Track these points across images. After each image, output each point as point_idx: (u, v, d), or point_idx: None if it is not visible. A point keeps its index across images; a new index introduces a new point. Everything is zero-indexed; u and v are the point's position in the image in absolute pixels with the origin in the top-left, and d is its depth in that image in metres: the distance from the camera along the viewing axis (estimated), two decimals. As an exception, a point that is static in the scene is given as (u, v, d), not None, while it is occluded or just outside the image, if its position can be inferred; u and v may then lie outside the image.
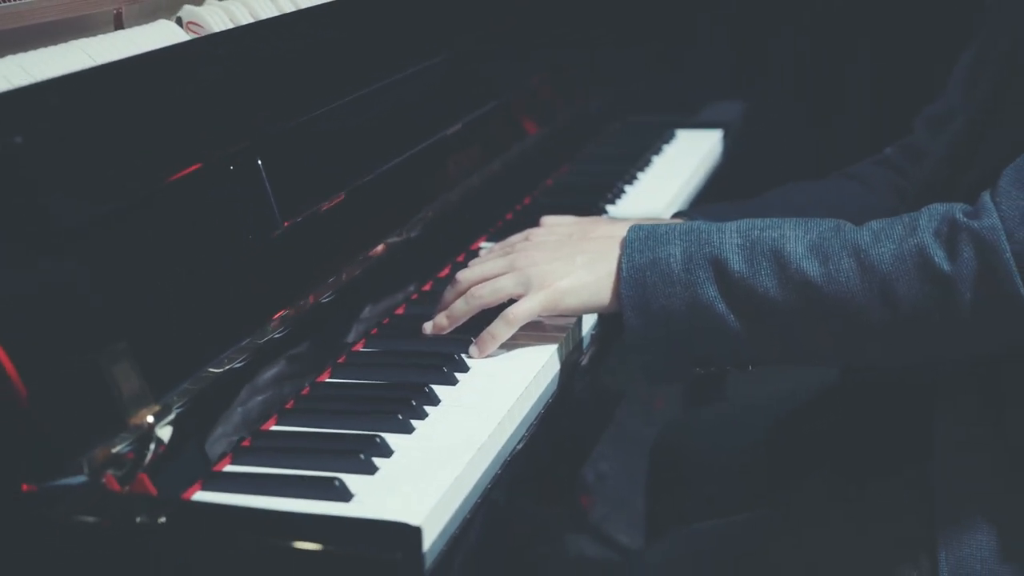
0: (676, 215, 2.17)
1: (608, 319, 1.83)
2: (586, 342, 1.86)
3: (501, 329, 1.75)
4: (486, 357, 1.72)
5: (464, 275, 1.81)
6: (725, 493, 2.17)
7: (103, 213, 1.33)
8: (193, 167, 1.47)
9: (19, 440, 1.21)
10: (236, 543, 1.19)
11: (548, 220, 1.97)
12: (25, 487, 1.20)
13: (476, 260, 1.85)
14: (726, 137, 2.91)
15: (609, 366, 1.96)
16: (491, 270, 1.79)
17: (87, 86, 1.38)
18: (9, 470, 1.21)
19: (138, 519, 1.22)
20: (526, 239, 1.89)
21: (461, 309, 1.78)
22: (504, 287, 1.76)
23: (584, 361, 1.84)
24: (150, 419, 1.28)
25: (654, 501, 2.37)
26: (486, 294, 1.77)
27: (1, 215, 1.22)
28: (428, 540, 1.28)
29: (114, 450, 1.27)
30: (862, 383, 2.07)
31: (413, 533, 1.18)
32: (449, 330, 1.78)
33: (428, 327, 1.79)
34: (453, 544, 1.36)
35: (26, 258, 1.24)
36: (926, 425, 1.79)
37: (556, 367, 1.74)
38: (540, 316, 1.77)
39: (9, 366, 1.19)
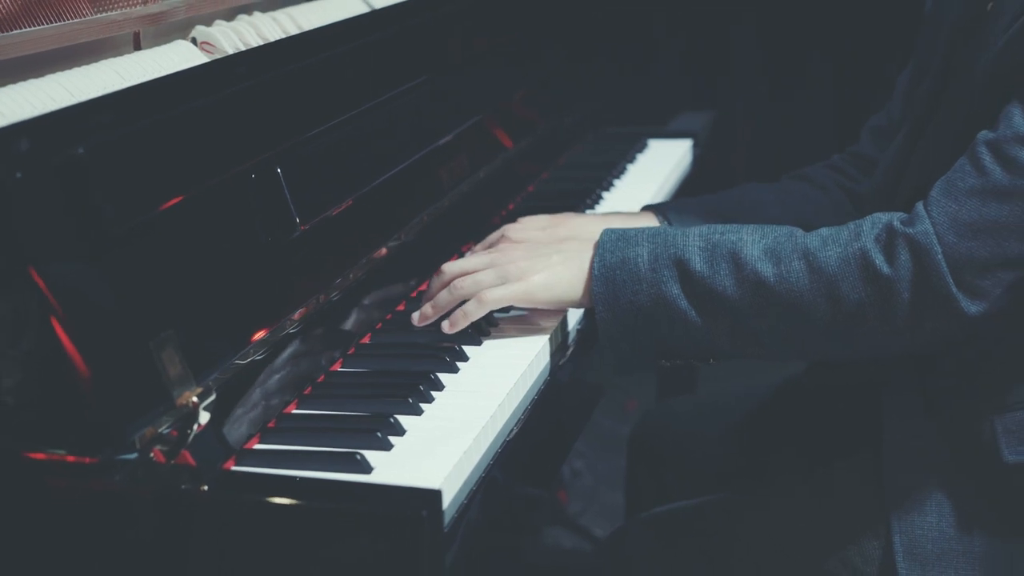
0: (645, 208, 2.29)
1: (593, 317, 1.96)
2: (571, 337, 2.00)
3: (473, 308, 1.90)
4: (484, 344, 1.88)
5: (448, 268, 1.95)
6: (698, 476, 2.30)
7: (148, 217, 1.48)
8: (223, 176, 1.62)
9: (83, 418, 1.36)
10: (277, 506, 1.34)
11: (524, 219, 2.11)
12: (88, 460, 1.35)
13: (462, 258, 1.99)
14: (695, 145, 3.02)
15: (591, 363, 2.10)
16: (473, 264, 1.94)
17: (133, 103, 1.53)
18: (74, 445, 1.36)
19: (183, 487, 1.36)
20: (503, 235, 2.03)
21: (445, 299, 1.92)
22: (484, 280, 1.91)
23: (569, 353, 1.97)
24: (195, 399, 1.43)
25: (633, 484, 2.51)
26: (467, 286, 1.91)
27: (66, 217, 1.37)
28: (446, 502, 1.43)
29: (160, 429, 1.42)
30: (823, 381, 2.20)
31: (435, 495, 1.32)
32: (434, 319, 1.92)
33: (416, 317, 1.94)
34: (462, 510, 1.51)
35: (87, 256, 1.39)
36: (877, 419, 1.93)
37: (546, 358, 1.89)
38: (518, 305, 1.92)
39: (74, 353, 1.34)
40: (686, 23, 4.58)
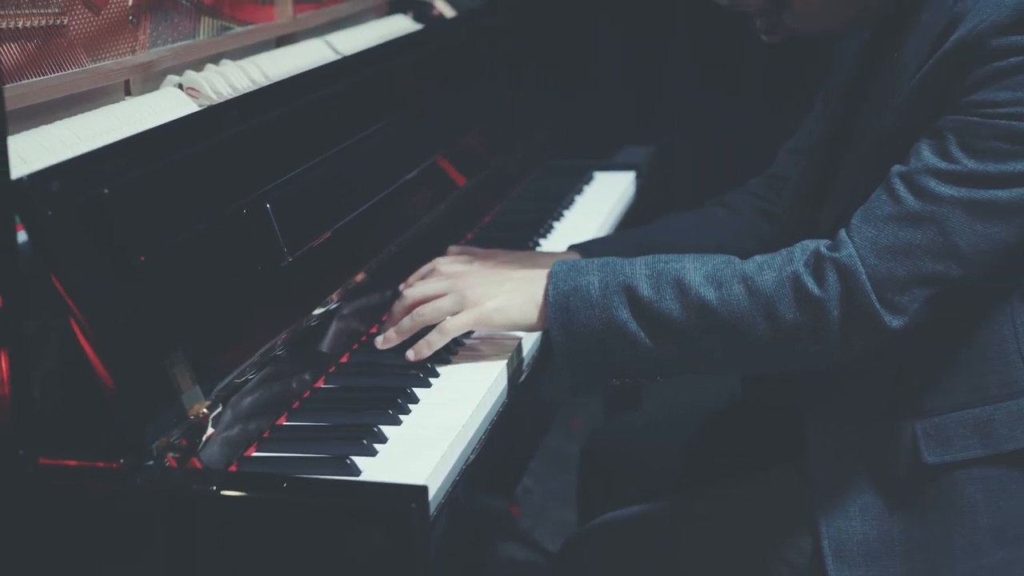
0: (571, 247, 2.42)
1: (547, 342, 2.10)
2: (527, 359, 2.16)
3: (436, 338, 2.04)
4: (452, 362, 2.05)
5: (410, 293, 2.10)
6: (646, 486, 2.41)
7: (159, 248, 1.66)
8: (221, 211, 1.80)
9: (108, 429, 1.53)
10: (278, 503, 1.52)
11: (453, 249, 2.30)
12: (115, 465, 1.53)
13: (420, 282, 2.14)
14: (638, 176, 3.14)
15: (547, 382, 2.23)
16: (432, 290, 2.09)
17: (142, 148, 1.71)
18: (100, 452, 1.53)
19: (195, 487, 1.54)
20: (434, 268, 2.19)
21: (407, 325, 2.07)
22: (443, 307, 2.06)
23: (526, 372, 2.14)
24: (204, 411, 1.60)
25: (585, 495, 2.65)
26: (427, 313, 2.06)
27: (91, 250, 1.54)
28: (430, 496, 1.59)
29: (173, 438, 1.59)
30: (758, 397, 2.36)
31: (422, 490, 1.50)
32: (397, 343, 2.07)
33: (379, 341, 2.08)
34: (442, 505, 1.68)
35: (110, 284, 1.56)
36: (805, 430, 2.08)
37: (506, 377, 2.05)
38: (475, 330, 2.08)
39: (101, 371, 1.51)
40: (627, 61, 4.79)
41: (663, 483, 2.40)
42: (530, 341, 2.16)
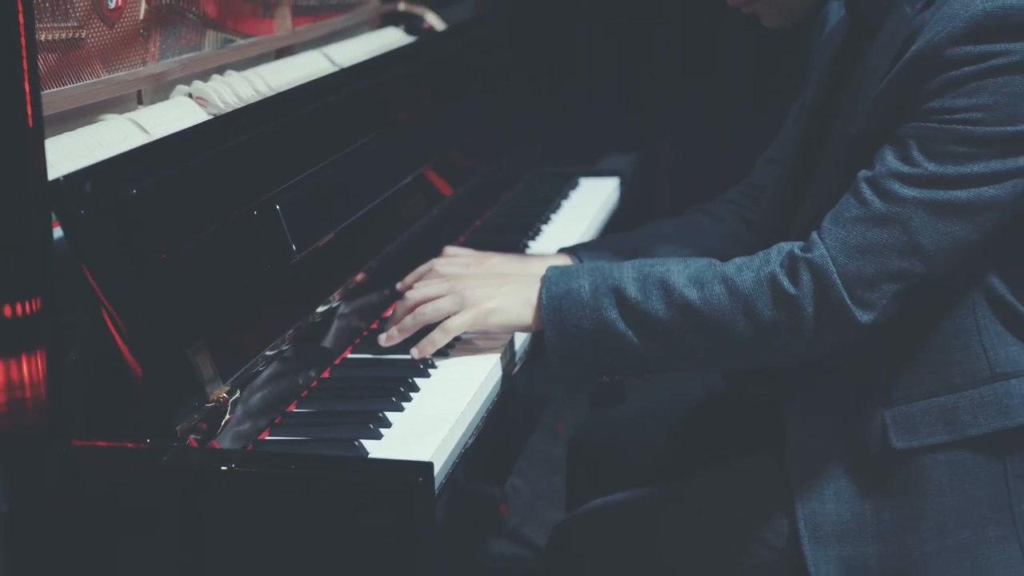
0: (561, 250, 2.50)
1: (538, 339, 2.22)
2: (518, 354, 2.26)
3: (438, 336, 2.15)
4: (449, 355, 2.15)
5: (411, 295, 2.20)
6: (631, 475, 2.50)
7: (181, 245, 1.78)
8: (237, 211, 1.92)
9: (138, 413, 1.66)
10: (294, 479, 1.63)
11: (449, 250, 2.38)
12: (141, 445, 1.65)
13: (420, 283, 2.25)
14: (622, 183, 3.22)
15: (537, 376, 2.34)
16: (433, 292, 2.19)
17: (164, 153, 1.83)
18: (131, 434, 1.65)
19: (214, 465, 1.66)
20: (432, 268, 2.30)
21: (410, 323, 2.18)
22: (444, 307, 2.16)
23: (518, 365, 2.25)
24: (224, 395, 1.73)
25: (572, 484, 2.75)
26: (429, 312, 2.17)
27: (122, 244, 1.67)
28: (435, 471, 1.71)
29: (194, 422, 1.72)
30: (737, 391, 2.44)
31: (427, 466, 1.62)
32: (399, 340, 2.18)
33: (383, 338, 2.19)
34: (444, 482, 1.81)
35: (138, 278, 1.69)
36: (782, 421, 2.17)
37: (500, 369, 2.16)
38: (472, 329, 2.17)
39: (130, 358, 1.63)
40: (612, 72, 4.90)
41: (648, 473, 2.48)
42: (522, 336, 2.27)
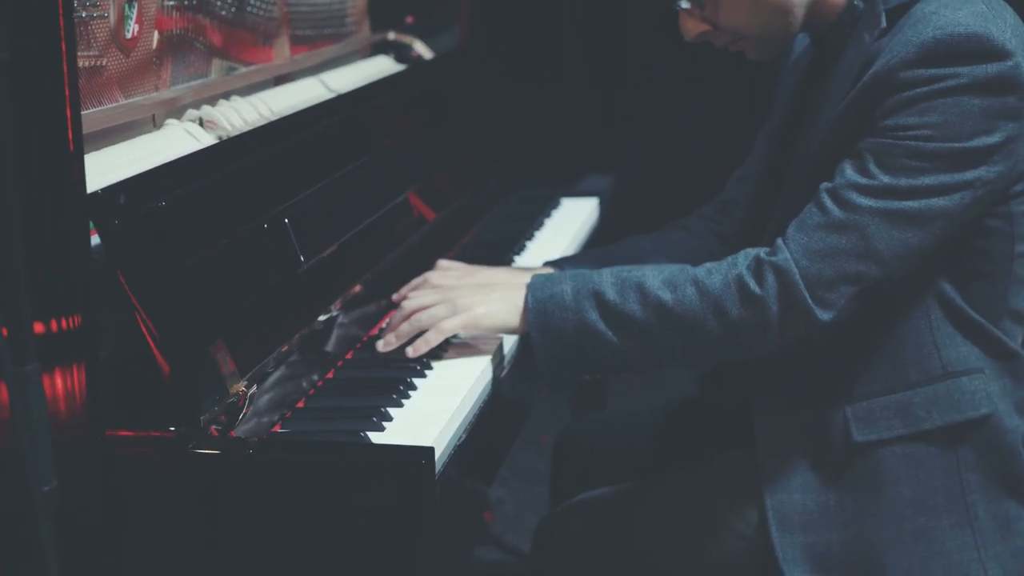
0: (546, 264, 2.60)
1: (525, 344, 2.36)
2: (507, 359, 2.41)
3: (432, 336, 2.29)
4: (443, 359, 2.30)
5: (408, 304, 2.34)
6: (612, 473, 2.58)
7: (204, 252, 1.94)
8: (251, 223, 2.08)
9: (167, 404, 1.81)
10: (306, 463, 1.80)
11: (441, 264, 2.50)
12: (168, 434, 1.81)
13: (415, 293, 2.38)
14: (601, 203, 3.36)
15: (525, 379, 2.48)
16: (427, 300, 2.33)
17: (187, 169, 2.00)
18: (163, 422, 1.81)
19: (235, 451, 1.82)
20: (425, 280, 2.41)
21: (406, 330, 2.31)
22: (437, 314, 2.30)
23: (507, 368, 2.40)
24: (243, 389, 1.89)
25: (556, 483, 2.87)
26: (424, 319, 2.30)
27: (153, 251, 1.83)
28: (436, 456, 1.86)
29: (217, 412, 1.88)
30: (711, 394, 2.57)
31: (430, 450, 1.78)
32: (396, 346, 2.31)
33: (380, 344, 2.32)
34: (444, 467, 1.96)
35: (168, 282, 1.85)
36: (752, 419, 2.28)
37: (491, 370, 2.30)
38: (465, 332, 2.31)
39: (159, 359, 1.79)
40: (590, 99, 5.05)
41: (628, 471, 2.59)
42: (510, 341, 2.41)
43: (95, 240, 1.79)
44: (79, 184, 1.72)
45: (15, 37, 1.47)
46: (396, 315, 2.36)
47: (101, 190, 1.79)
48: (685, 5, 2.26)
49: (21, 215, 1.44)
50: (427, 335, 2.29)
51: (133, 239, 1.81)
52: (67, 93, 1.67)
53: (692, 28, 2.29)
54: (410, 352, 2.29)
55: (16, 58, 1.44)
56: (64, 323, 1.72)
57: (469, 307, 2.31)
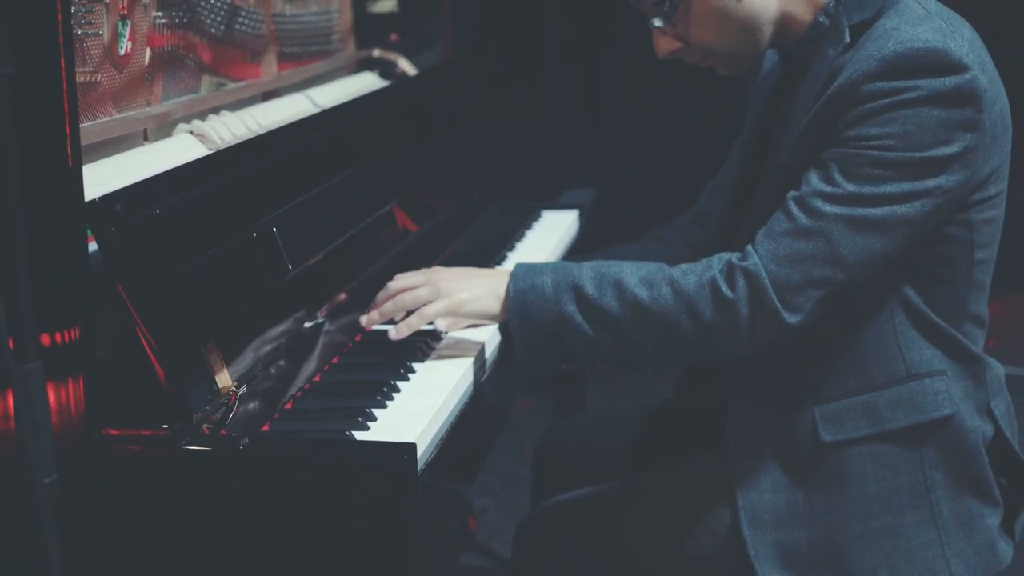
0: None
1: (505, 348, 2.43)
2: (488, 362, 2.48)
3: (415, 320, 2.37)
4: (426, 362, 2.37)
5: (392, 284, 2.42)
6: (591, 475, 2.63)
7: (196, 258, 2.02)
8: (241, 232, 2.16)
9: (161, 403, 1.90)
10: (294, 460, 1.88)
11: (398, 275, 2.50)
12: (166, 431, 1.89)
13: (400, 275, 2.44)
14: (581, 215, 3.42)
15: (504, 382, 2.55)
16: (412, 282, 2.41)
17: (179, 180, 2.08)
18: (157, 420, 1.89)
19: (224, 448, 1.90)
20: (387, 287, 2.45)
21: (390, 308, 2.39)
22: (421, 295, 2.38)
23: (487, 372, 2.46)
24: (233, 389, 1.97)
25: (537, 484, 2.95)
26: (408, 299, 2.38)
27: (147, 257, 1.91)
28: (419, 453, 1.95)
29: (209, 411, 1.96)
30: (687, 400, 2.66)
31: (412, 446, 1.86)
32: (380, 323, 2.39)
33: (364, 320, 2.40)
34: (425, 463, 2.04)
35: (162, 288, 1.93)
36: (724, 422, 2.35)
37: (472, 374, 2.37)
38: (446, 324, 2.38)
39: (154, 360, 1.87)
40: (572, 114, 5.13)
41: (606, 472, 2.65)
42: (491, 346, 2.49)
43: (92, 246, 1.87)
44: (77, 193, 1.80)
45: (17, 53, 1.55)
46: (381, 293, 2.42)
47: (99, 198, 1.88)
48: (658, 24, 2.33)
49: (23, 221, 1.52)
50: (410, 319, 2.37)
51: (129, 246, 1.90)
52: (66, 108, 1.75)
53: (664, 46, 2.37)
54: (392, 334, 2.36)
55: (19, 73, 1.53)
56: (62, 325, 1.81)
57: (452, 292, 2.38)
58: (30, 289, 1.55)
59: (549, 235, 3.28)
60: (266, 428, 2.10)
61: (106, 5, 2.32)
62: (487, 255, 3.02)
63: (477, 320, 2.42)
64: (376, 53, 3.56)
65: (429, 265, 2.75)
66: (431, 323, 2.41)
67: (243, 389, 2.01)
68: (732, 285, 2.19)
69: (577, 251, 3.28)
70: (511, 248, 3.14)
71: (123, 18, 2.37)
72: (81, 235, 1.83)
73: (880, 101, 2.13)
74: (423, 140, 3.21)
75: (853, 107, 2.15)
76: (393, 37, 3.61)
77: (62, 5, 1.75)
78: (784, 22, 2.32)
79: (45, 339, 1.81)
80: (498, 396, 2.56)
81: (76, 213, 1.80)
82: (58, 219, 1.78)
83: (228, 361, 2.02)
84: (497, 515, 4.31)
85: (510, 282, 2.34)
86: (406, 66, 3.57)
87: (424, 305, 2.38)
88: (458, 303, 2.38)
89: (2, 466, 1.83)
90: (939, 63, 2.12)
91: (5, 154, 1.52)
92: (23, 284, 1.55)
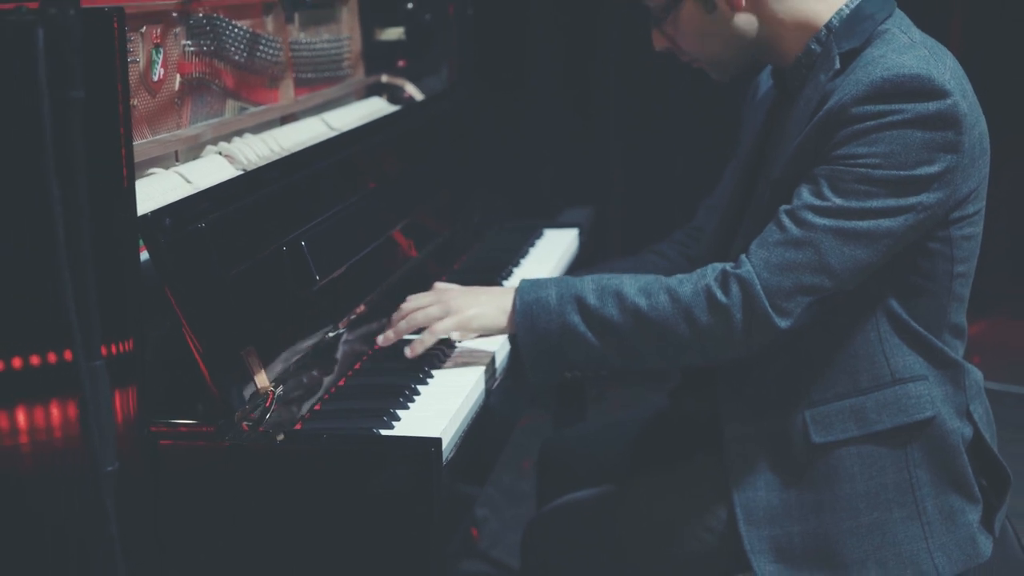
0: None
1: (514, 358, 2.54)
2: (499, 370, 2.60)
3: (427, 337, 2.48)
4: (443, 368, 2.50)
5: (405, 306, 2.54)
6: (593, 478, 2.76)
7: (235, 268, 2.17)
8: (272, 245, 2.31)
9: (206, 402, 2.04)
10: (328, 452, 2.03)
11: (438, 285, 2.65)
12: (208, 428, 2.04)
13: (412, 297, 2.56)
14: (581, 233, 3.53)
15: (513, 391, 2.67)
16: (423, 302, 2.53)
17: (220, 196, 2.23)
18: (203, 418, 2.04)
19: (265, 442, 2.05)
20: (399, 308, 2.58)
21: (403, 327, 2.51)
22: (431, 314, 2.49)
23: (498, 380, 2.59)
24: (271, 388, 2.11)
25: (541, 488, 3.06)
26: (419, 318, 2.50)
27: (194, 267, 2.06)
28: (443, 446, 2.09)
29: (249, 409, 2.10)
30: (683, 407, 2.78)
31: (438, 440, 2.01)
32: (394, 341, 2.51)
33: (380, 339, 2.52)
34: (448, 457, 2.17)
35: (207, 294, 2.08)
36: (719, 425, 2.45)
37: (484, 381, 2.50)
38: (458, 335, 2.49)
39: (200, 361, 2.02)
40: (572, 136, 5.27)
41: (607, 475, 2.76)
42: (502, 355, 2.61)
43: (144, 256, 2.01)
44: (132, 208, 1.95)
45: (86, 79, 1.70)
46: (395, 314, 2.55)
47: (150, 212, 2.02)
48: (654, 23, 2.52)
49: (91, 235, 1.67)
50: (423, 337, 2.48)
51: (178, 256, 2.04)
52: (122, 131, 1.89)
53: (658, 42, 2.55)
54: (408, 353, 2.47)
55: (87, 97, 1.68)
56: (117, 328, 1.94)
57: (461, 309, 2.49)
58: (96, 295, 1.69)
59: (552, 251, 3.39)
60: (299, 426, 2.24)
61: (142, 35, 2.46)
62: (494, 270, 3.14)
63: (486, 333, 2.53)
64: (384, 78, 3.68)
65: (440, 277, 2.93)
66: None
67: (279, 389, 2.15)
68: (726, 291, 2.29)
69: (578, 267, 3.39)
70: (516, 264, 3.25)
71: (156, 46, 2.51)
72: (133, 246, 1.97)
73: (868, 123, 2.25)
74: (431, 163, 3.33)
75: (842, 128, 2.26)
76: (400, 63, 3.74)
77: (119, 35, 1.89)
78: (773, 44, 2.45)
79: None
80: (507, 404, 2.67)
81: (131, 226, 1.94)
82: (116, 232, 1.92)
83: (265, 363, 2.15)
84: (499, 525, 4.43)
85: (516, 297, 2.44)
86: (413, 91, 3.69)
87: (435, 322, 2.49)
88: (467, 319, 2.49)
89: (64, 461, 1.96)
90: (923, 89, 2.25)
91: (76, 169, 1.67)
92: (91, 290, 1.70)
